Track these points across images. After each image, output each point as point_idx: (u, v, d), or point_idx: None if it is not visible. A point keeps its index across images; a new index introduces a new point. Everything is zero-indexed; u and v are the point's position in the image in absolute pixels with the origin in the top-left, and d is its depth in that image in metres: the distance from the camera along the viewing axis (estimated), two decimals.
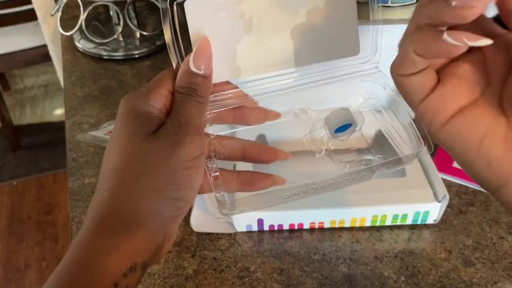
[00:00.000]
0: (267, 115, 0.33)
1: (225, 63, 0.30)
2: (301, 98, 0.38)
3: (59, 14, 0.75)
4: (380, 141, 0.41)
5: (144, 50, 0.77)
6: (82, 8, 0.74)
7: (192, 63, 0.27)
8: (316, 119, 0.40)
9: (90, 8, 0.75)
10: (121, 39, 0.80)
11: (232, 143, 0.33)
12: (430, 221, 0.46)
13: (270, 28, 0.30)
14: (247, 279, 0.42)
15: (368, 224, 0.46)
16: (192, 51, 0.28)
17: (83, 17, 0.74)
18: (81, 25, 0.75)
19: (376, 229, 0.46)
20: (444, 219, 0.47)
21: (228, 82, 0.31)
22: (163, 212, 0.27)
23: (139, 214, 0.26)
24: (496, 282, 0.41)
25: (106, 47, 0.77)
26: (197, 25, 0.29)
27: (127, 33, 0.81)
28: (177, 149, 0.26)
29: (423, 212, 0.45)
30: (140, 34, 0.81)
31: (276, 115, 0.33)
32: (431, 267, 0.43)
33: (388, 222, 0.46)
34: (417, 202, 0.44)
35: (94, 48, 0.78)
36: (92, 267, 0.24)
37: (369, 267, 0.43)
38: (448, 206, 0.48)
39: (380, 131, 0.42)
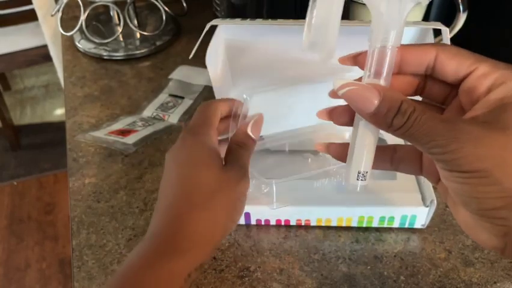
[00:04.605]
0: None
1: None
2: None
3: (60, 14, 0.75)
4: None
5: (144, 50, 0.77)
6: (82, 8, 0.74)
7: (250, 129, 0.37)
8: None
9: (90, 8, 0.75)
10: (121, 39, 0.80)
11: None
12: (418, 225, 0.45)
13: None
14: (247, 278, 0.42)
15: (354, 224, 0.46)
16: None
17: (83, 17, 0.74)
18: (81, 25, 0.75)
19: (376, 229, 0.46)
20: (444, 219, 0.47)
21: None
22: (218, 238, 0.33)
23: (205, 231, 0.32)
24: (495, 282, 0.42)
25: (106, 47, 0.77)
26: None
27: (127, 34, 0.81)
28: (239, 184, 0.34)
29: (411, 216, 0.44)
30: (141, 34, 0.81)
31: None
32: (431, 267, 0.43)
33: (375, 224, 0.45)
34: (404, 205, 0.44)
35: (94, 48, 0.78)
36: (169, 262, 0.30)
37: (368, 267, 0.43)
38: (448, 206, 0.48)
39: None
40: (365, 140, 0.28)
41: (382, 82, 0.27)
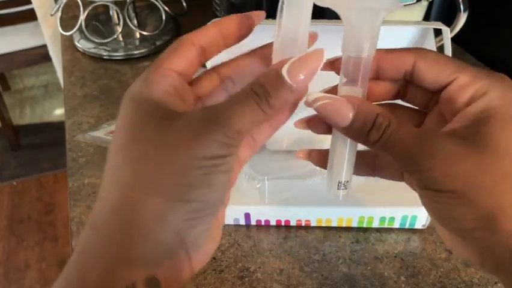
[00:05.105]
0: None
1: None
2: None
3: (59, 14, 0.75)
4: None
5: (144, 50, 0.77)
6: (81, 8, 0.74)
7: (286, 69, 0.23)
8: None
9: (90, 8, 0.75)
10: (121, 39, 0.80)
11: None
12: (419, 225, 0.45)
13: None
14: (247, 279, 0.42)
15: (354, 224, 0.46)
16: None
17: (82, 17, 0.74)
18: (81, 25, 0.75)
19: (376, 229, 0.46)
20: None
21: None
22: (173, 217, 0.22)
23: (144, 222, 0.22)
24: (496, 283, 0.41)
25: (105, 47, 0.77)
26: None
27: (127, 33, 0.81)
28: (193, 145, 0.21)
29: (411, 216, 0.44)
30: (140, 34, 0.81)
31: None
32: (431, 267, 0.43)
33: (375, 224, 0.45)
34: (404, 205, 0.44)
35: (94, 48, 0.78)
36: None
37: (369, 268, 0.43)
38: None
39: None
40: (344, 150, 0.27)
41: (357, 90, 0.26)
